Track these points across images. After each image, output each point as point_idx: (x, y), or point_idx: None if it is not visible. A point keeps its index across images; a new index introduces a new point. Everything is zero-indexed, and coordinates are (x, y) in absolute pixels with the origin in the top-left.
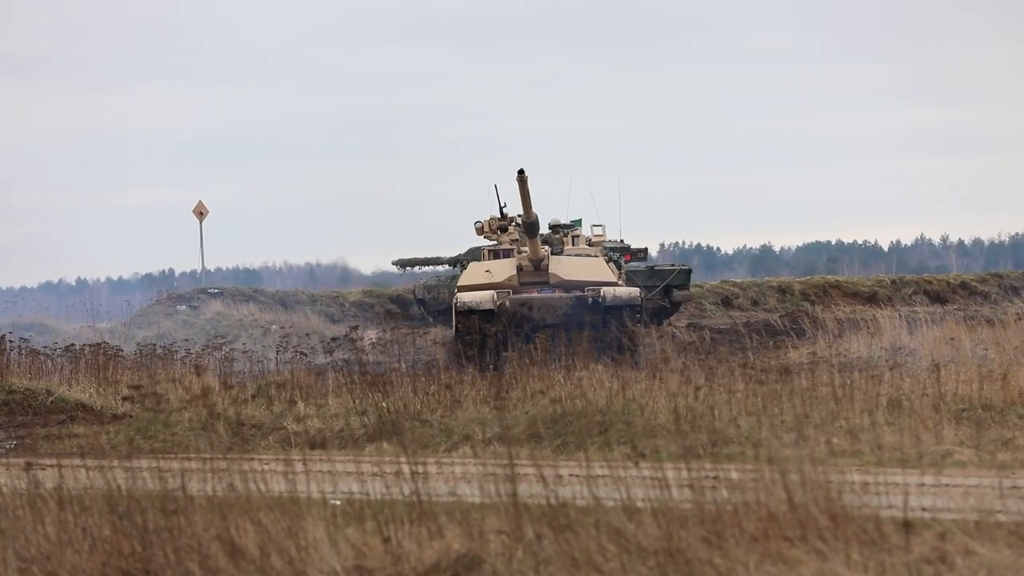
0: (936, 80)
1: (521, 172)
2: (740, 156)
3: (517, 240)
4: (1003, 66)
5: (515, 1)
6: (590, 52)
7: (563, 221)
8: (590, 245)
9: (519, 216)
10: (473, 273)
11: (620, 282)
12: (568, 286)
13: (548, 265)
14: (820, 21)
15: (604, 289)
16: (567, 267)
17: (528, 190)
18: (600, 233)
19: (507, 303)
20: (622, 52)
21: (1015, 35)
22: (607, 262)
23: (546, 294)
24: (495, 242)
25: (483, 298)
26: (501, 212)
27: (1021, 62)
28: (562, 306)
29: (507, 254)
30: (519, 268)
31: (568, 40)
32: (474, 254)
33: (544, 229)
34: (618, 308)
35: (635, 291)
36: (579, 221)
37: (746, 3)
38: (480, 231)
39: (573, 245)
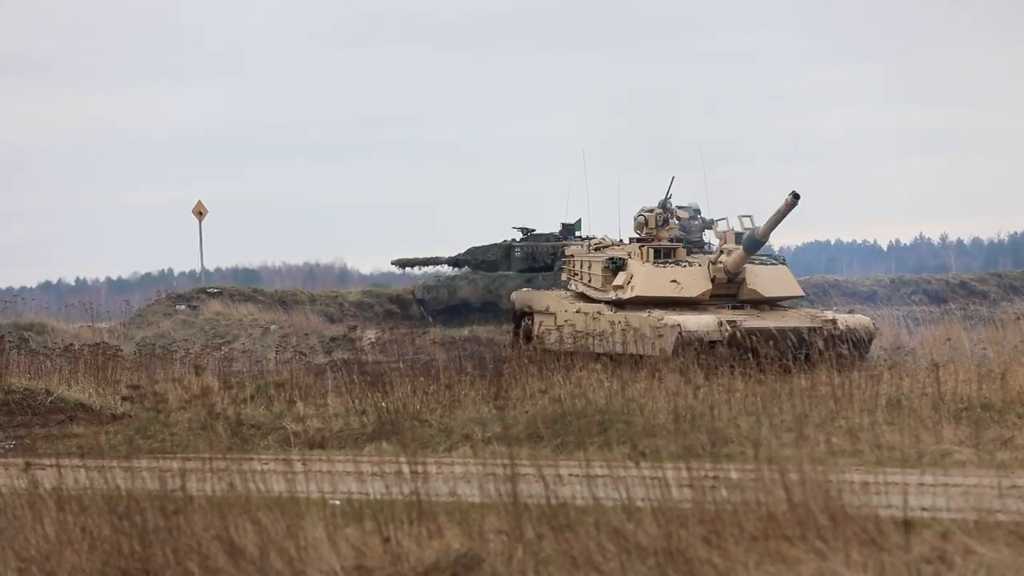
0: (936, 79)
1: (796, 195)
2: (738, 156)
3: (678, 239)
4: (1003, 65)
5: (515, 2)
6: (589, 52)
7: (694, 207)
8: (724, 242)
9: (679, 208)
10: (653, 280)
11: (803, 294)
12: (758, 301)
13: (744, 278)
14: (816, 20)
15: (840, 319)
16: (763, 281)
17: (789, 213)
18: (725, 228)
19: (738, 334)
20: (624, 51)
21: (1015, 35)
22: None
23: (777, 324)
24: (652, 237)
25: (709, 327)
26: (664, 206)
27: (1020, 61)
28: (795, 338)
29: (668, 253)
30: (713, 280)
31: (570, 39)
32: (473, 254)
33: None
34: (851, 340)
35: (867, 321)
36: (579, 222)
37: (746, 3)
38: (643, 225)
39: (725, 244)
